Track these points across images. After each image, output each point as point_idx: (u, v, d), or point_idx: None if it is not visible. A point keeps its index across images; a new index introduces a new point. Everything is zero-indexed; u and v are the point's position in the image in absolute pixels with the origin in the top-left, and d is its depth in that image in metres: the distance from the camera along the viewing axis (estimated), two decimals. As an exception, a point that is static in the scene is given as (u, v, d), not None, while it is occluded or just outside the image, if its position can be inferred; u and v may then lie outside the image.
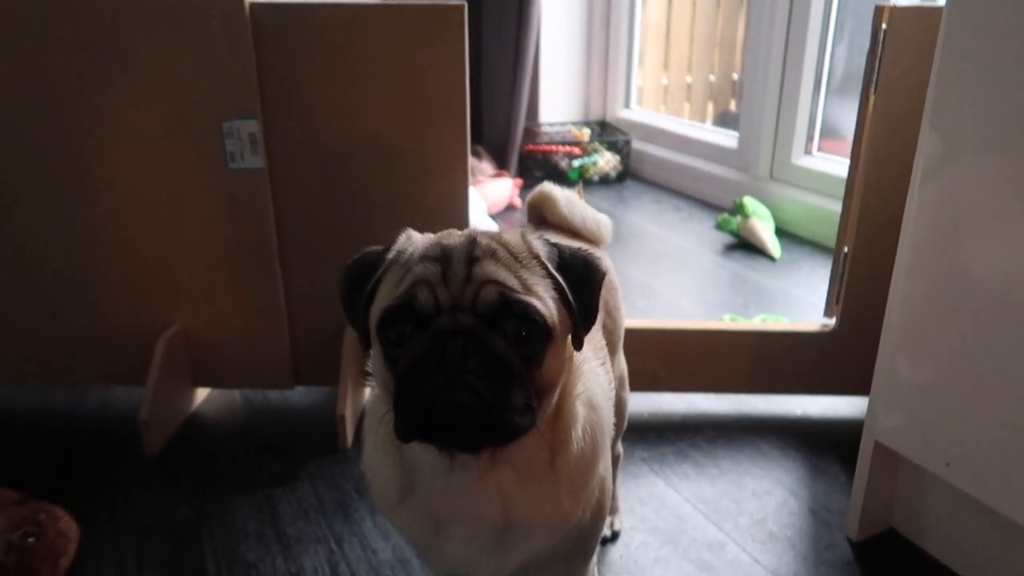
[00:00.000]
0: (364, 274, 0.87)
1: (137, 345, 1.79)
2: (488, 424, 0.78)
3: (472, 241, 0.84)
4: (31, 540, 1.33)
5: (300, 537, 1.50)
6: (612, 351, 1.27)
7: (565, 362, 0.87)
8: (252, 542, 1.49)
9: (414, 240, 0.88)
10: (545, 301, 0.82)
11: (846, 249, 1.77)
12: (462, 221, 1.71)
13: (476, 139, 3.83)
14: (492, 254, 0.82)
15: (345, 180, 1.70)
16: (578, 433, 0.89)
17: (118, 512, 1.57)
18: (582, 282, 0.86)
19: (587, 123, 4.13)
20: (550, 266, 0.85)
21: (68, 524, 1.40)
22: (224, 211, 1.70)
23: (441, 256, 0.82)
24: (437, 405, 0.77)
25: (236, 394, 2.00)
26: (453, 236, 0.86)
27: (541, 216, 1.32)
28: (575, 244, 1.25)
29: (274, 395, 1.99)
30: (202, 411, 1.93)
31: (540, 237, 0.88)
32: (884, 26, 1.57)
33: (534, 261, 0.85)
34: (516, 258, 0.84)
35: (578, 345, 0.88)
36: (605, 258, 1.32)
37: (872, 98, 1.64)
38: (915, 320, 1.33)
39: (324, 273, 1.77)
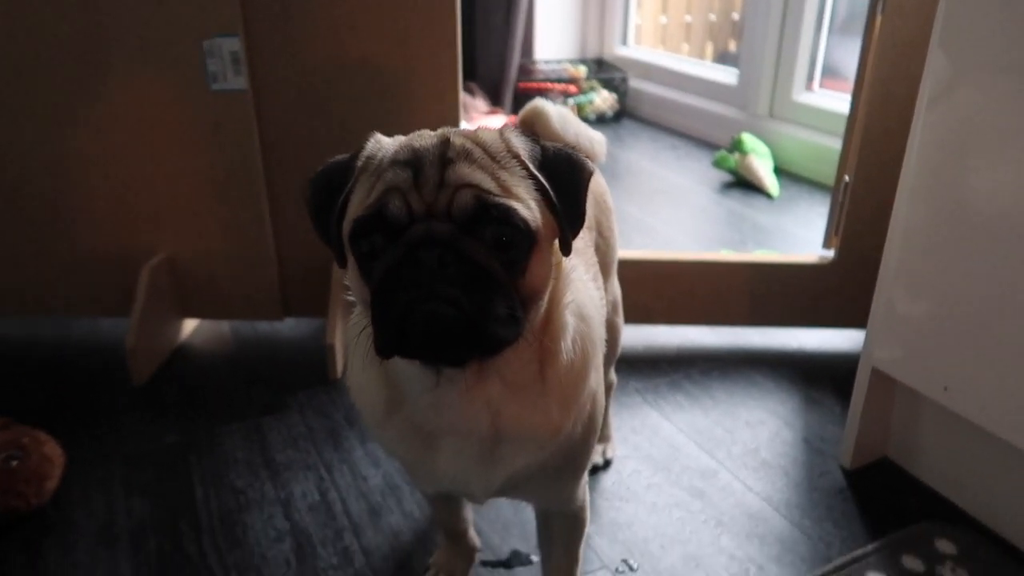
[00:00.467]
0: (332, 185, 0.82)
1: (122, 274, 1.75)
2: (470, 336, 0.74)
3: (445, 142, 0.78)
4: (14, 463, 1.31)
5: (289, 464, 1.49)
6: (606, 274, 1.24)
7: (551, 269, 0.82)
8: (241, 469, 1.48)
9: (383, 144, 0.82)
10: (527, 203, 0.77)
11: (847, 179, 1.73)
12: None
13: (470, 76, 3.74)
14: (467, 155, 0.77)
15: (333, 102, 1.64)
16: (567, 344, 0.86)
17: (105, 440, 1.55)
18: (567, 181, 0.81)
19: (583, 60, 4.04)
20: (531, 165, 0.79)
21: (52, 448, 1.38)
22: (207, 134, 1.64)
23: (412, 160, 0.76)
24: (414, 318, 0.73)
25: (225, 325, 1.97)
26: (424, 137, 0.80)
27: (533, 133, 1.27)
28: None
29: (263, 326, 1.96)
30: (190, 342, 1.90)
31: (521, 134, 0.82)
32: (894, -60, 1.50)
33: (513, 160, 0.79)
34: (493, 158, 0.78)
35: (566, 250, 0.83)
36: (598, 178, 1.28)
37: (879, 19, 1.58)
38: (916, 246, 1.30)
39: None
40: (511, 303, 0.75)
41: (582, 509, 1.04)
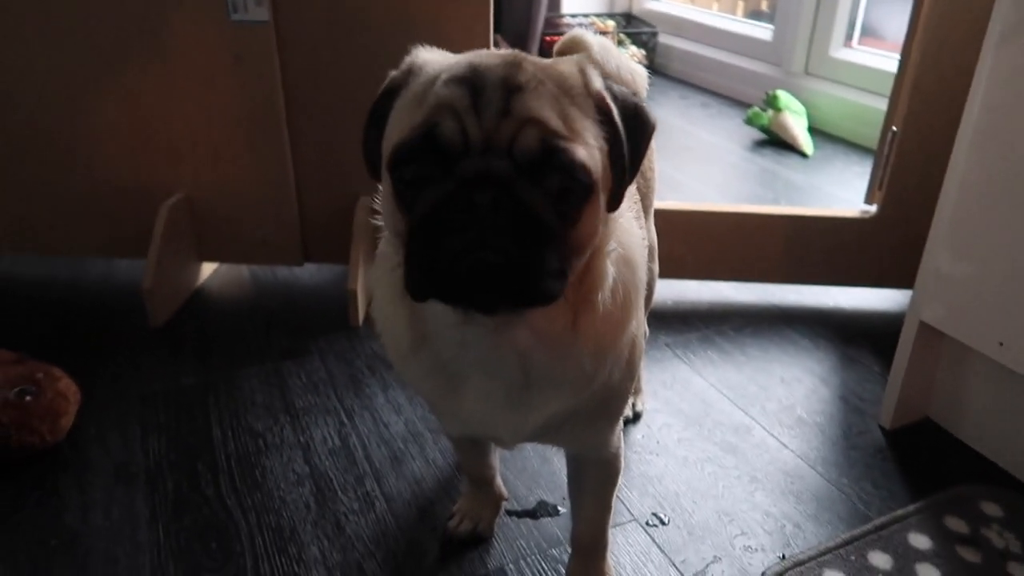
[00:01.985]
0: (375, 106, 0.76)
1: (139, 214, 1.70)
2: (515, 289, 0.68)
3: (514, 64, 0.68)
4: (28, 399, 1.27)
5: (309, 409, 1.45)
6: (644, 215, 1.18)
7: (601, 220, 0.75)
8: (260, 412, 1.44)
9: (430, 58, 0.74)
10: (592, 151, 0.70)
11: (894, 128, 1.65)
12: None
13: (495, 29, 3.64)
14: (538, 84, 0.67)
15: (357, 34, 1.57)
16: (606, 294, 0.79)
17: (122, 379, 1.51)
18: (634, 134, 0.74)
19: (611, 15, 3.92)
20: (614, 109, 0.72)
21: (67, 384, 1.34)
22: (227, 67, 1.58)
23: (471, 77, 0.67)
24: (459, 266, 0.66)
25: (244, 270, 1.93)
26: (487, 56, 0.70)
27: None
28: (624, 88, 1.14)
29: (283, 271, 1.91)
30: (208, 286, 1.86)
31: (598, 73, 0.73)
32: None
33: (588, 100, 0.71)
34: (568, 93, 0.69)
35: (616, 204, 0.76)
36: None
37: (938, -44, 1.49)
38: (974, 197, 1.22)
39: (335, 139, 1.66)
40: (562, 257, 0.69)
41: (616, 457, 0.99)
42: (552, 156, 0.66)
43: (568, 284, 0.73)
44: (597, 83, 0.72)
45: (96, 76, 1.60)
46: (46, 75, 1.60)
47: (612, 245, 0.80)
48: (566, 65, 0.72)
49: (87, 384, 1.43)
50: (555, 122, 0.67)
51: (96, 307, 1.76)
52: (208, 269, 1.90)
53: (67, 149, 1.67)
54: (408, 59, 0.75)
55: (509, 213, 0.65)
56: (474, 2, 1.53)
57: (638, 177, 1.15)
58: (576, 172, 0.67)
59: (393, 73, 0.75)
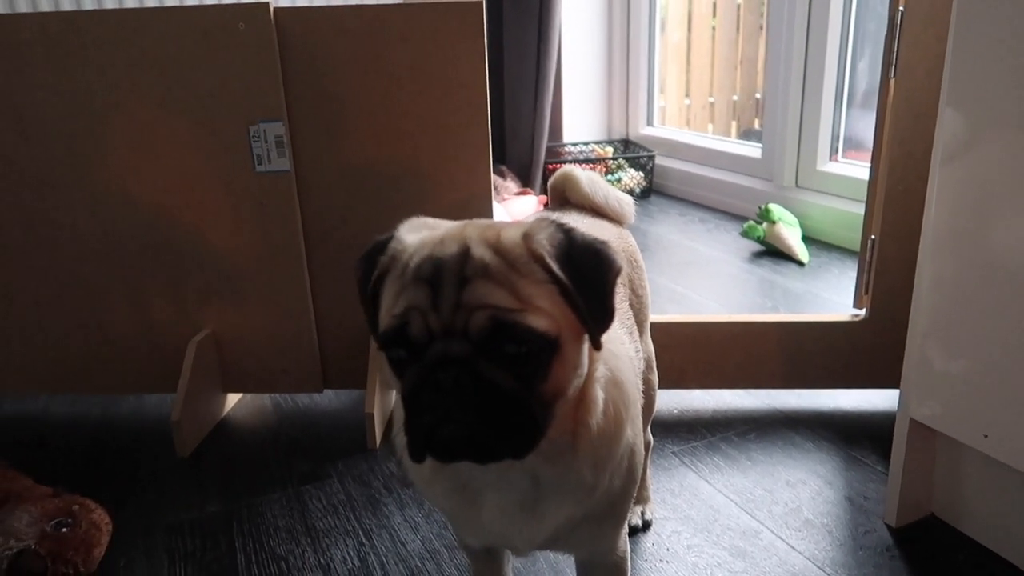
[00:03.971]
0: (366, 270, 0.85)
1: (168, 350, 1.82)
2: (489, 450, 0.78)
3: (464, 254, 0.77)
4: (64, 530, 1.34)
5: (329, 531, 1.50)
6: (640, 331, 1.27)
7: (578, 366, 0.83)
8: (282, 536, 1.49)
9: (407, 243, 0.82)
10: (546, 312, 0.77)
11: (873, 237, 1.76)
12: (486, 216, 1.73)
13: (501, 159, 3.87)
14: (484, 271, 0.76)
15: (369, 179, 1.72)
16: (598, 417, 0.88)
17: (149, 511, 1.58)
18: (593, 278, 0.80)
19: (610, 141, 4.16)
20: (555, 266, 0.78)
21: (101, 516, 1.41)
22: (252, 214, 1.74)
23: (432, 277, 0.77)
24: (435, 438, 0.78)
25: (266, 399, 2.02)
26: (447, 245, 0.79)
27: (564, 197, 1.33)
28: (594, 232, 1.25)
29: (303, 398, 2.00)
30: (232, 416, 1.95)
31: (549, 228, 0.81)
32: (901, 7, 1.57)
33: (535, 264, 0.78)
34: (513, 266, 0.77)
35: (596, 345, 0.83)
36: (629, 237, 1.33)
37: (892, 82, 1.64)
38: (944, 302, 1.31)
39: (350, 276, 1.78)
40: (529, 415, 0.78)
41: (623, 560, 1.04)
42: (502, 330, 0.75)
43: (558, 416, 0.82)
44: (539, 246, 0.79)
45: (134, 225, 1.75)
46: (88, 227, 1.76)
47: (601, 370, 0.89)
48: (512, 235, 0.80)
49: (117, 515, 1.49)
50: (503, 300, 0.75)
51: (127, 441, 1.85)
52: (232, 399, 1.99)
53: (102, 293, 1.81)
54: (392, 244, 0.84)
55: (470, 387, 0.75)
56: (474, 146, 1.68)
57: (631, 295, 1.26)
58: (530, 336, 0.76)
59: (382, 258, 0.84)
